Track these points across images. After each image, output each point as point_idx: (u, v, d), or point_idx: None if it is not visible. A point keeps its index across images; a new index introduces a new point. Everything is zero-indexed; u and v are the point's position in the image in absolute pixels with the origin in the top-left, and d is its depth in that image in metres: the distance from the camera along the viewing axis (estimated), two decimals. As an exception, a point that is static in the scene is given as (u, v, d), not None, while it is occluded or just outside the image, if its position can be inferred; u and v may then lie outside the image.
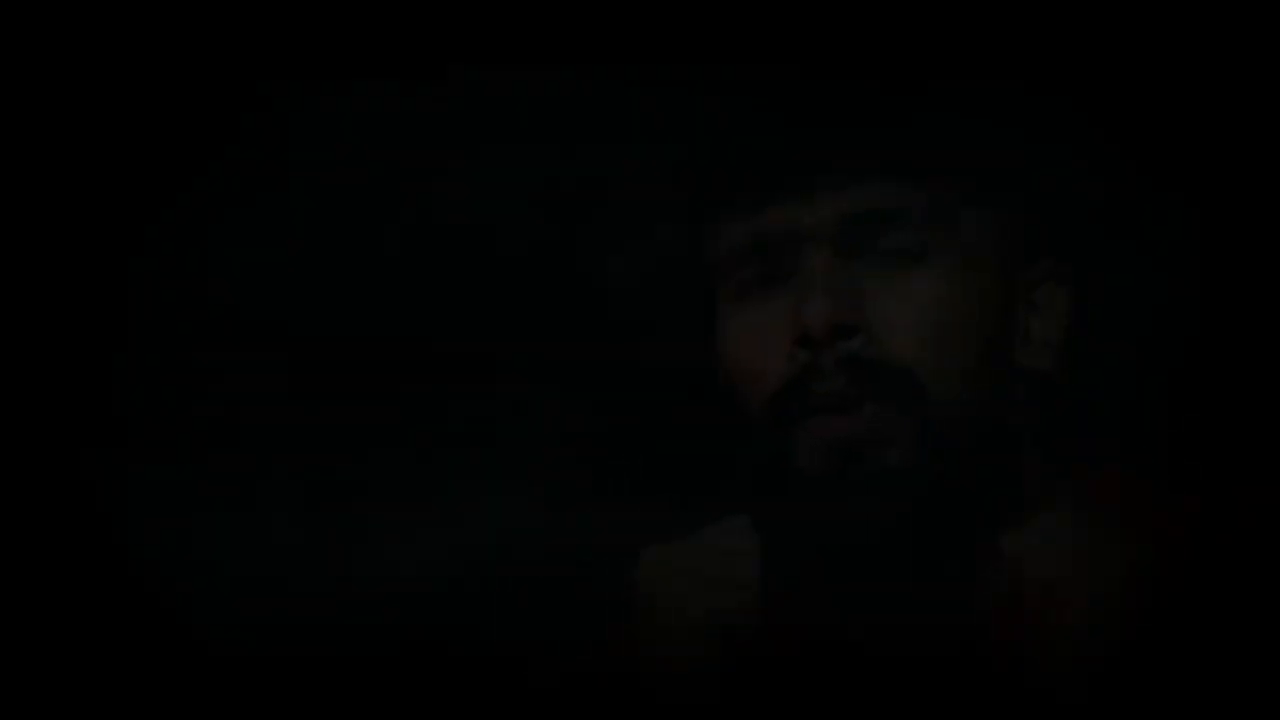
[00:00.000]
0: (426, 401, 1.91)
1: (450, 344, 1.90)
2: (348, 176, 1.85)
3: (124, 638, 1.89)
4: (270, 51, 1.84)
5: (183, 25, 1.85)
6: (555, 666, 1.51)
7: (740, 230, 1.38)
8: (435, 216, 1.87)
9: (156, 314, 1.90)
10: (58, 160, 1.88)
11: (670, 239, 1.57)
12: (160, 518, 1.89)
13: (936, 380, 1.35)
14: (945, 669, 1.39)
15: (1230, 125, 1.62)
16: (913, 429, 1.34)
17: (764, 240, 1.37)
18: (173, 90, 1.86)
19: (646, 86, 1.58)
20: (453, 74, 1.82)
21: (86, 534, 1.89)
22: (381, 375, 1.91)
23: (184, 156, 1.87)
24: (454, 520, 1.85)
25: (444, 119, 1.84)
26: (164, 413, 1.90)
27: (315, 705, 1.89)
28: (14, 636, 1.87)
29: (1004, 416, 1.39)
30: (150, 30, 1.86)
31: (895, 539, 1.37)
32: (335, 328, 1.89)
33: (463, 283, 1.88)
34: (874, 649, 1.40)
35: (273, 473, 1.89)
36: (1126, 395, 1.62)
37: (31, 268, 1.88)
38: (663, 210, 1.59)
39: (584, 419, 1.84)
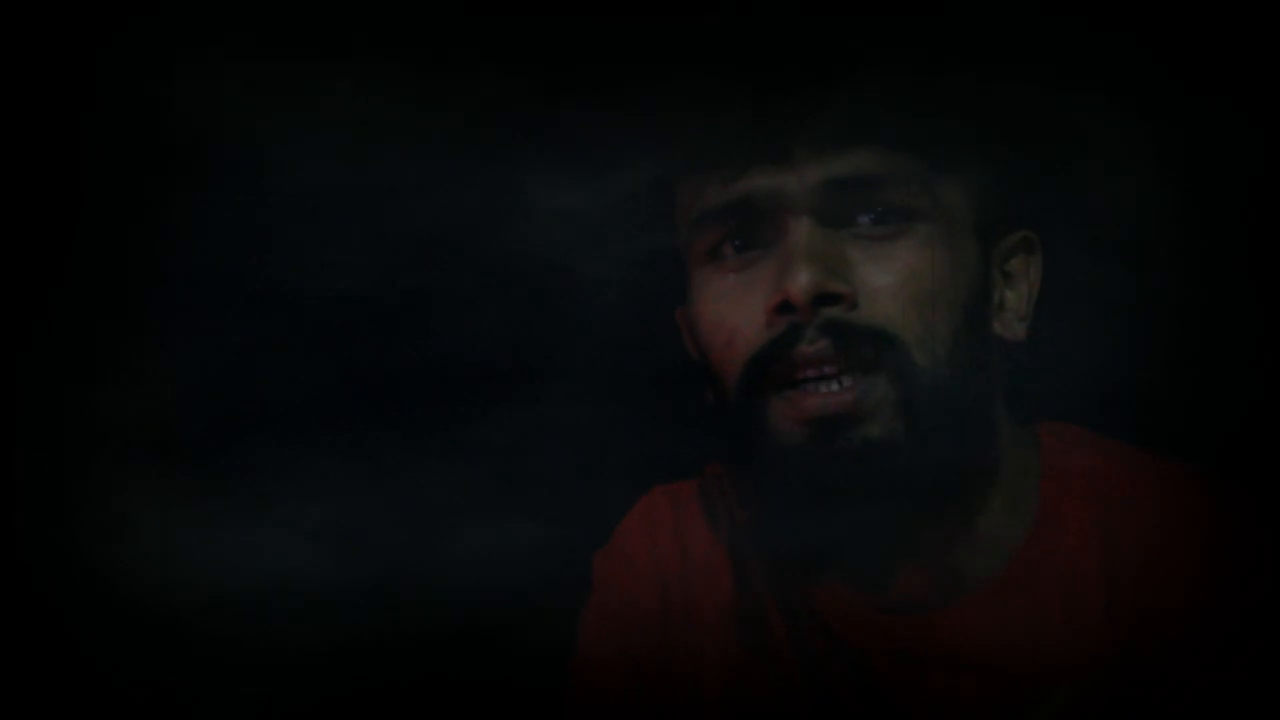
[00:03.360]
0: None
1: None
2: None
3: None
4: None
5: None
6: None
7: (719, 194, 1.38)
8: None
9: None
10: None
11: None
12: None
13: (920, 347, 1.35)
14: (925, 649, 1.41)
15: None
16: (896, 399, 1.34)
17: (745, 205, 1.37)
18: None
19: (616, 49, 1.56)
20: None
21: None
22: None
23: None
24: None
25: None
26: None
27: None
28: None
29: (982, 383, 1.40)
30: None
31: (875, 511, 1.37)
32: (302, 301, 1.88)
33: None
34: (848, 629, 1.40)
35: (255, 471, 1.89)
36: (1087, 356, 1.63)
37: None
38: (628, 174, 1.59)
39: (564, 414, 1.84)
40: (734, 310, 1.38)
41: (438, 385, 1.86)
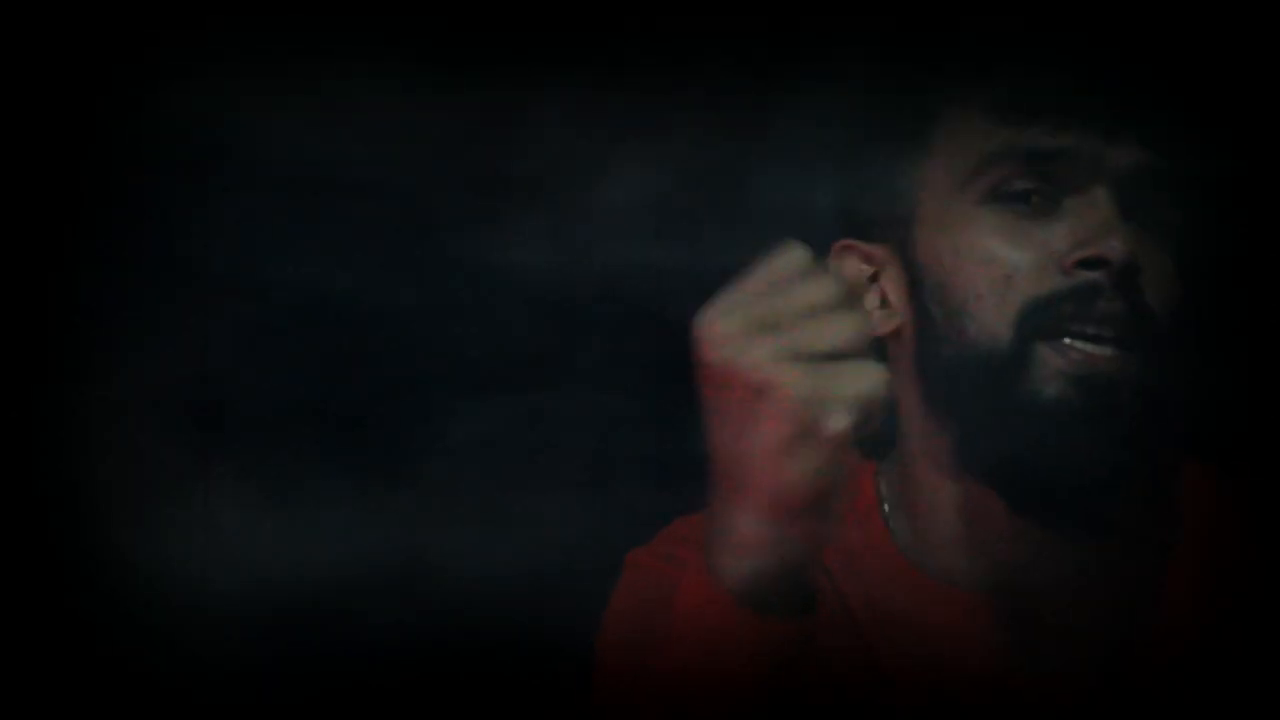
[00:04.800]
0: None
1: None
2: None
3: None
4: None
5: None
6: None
7: (1039, 138, 1.45)
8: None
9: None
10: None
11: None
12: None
13: (1170, 345, 1.44)
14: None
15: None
16: (1139, 377, 1.42)
17: (1063, 156, 1.45)
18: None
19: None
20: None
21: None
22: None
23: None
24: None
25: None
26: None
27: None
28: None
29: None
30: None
31: (1100, 472, 1.44)
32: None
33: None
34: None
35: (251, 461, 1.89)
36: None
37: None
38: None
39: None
40: (1017, 250, 1.45)
41: (436, 387, 1.86)
